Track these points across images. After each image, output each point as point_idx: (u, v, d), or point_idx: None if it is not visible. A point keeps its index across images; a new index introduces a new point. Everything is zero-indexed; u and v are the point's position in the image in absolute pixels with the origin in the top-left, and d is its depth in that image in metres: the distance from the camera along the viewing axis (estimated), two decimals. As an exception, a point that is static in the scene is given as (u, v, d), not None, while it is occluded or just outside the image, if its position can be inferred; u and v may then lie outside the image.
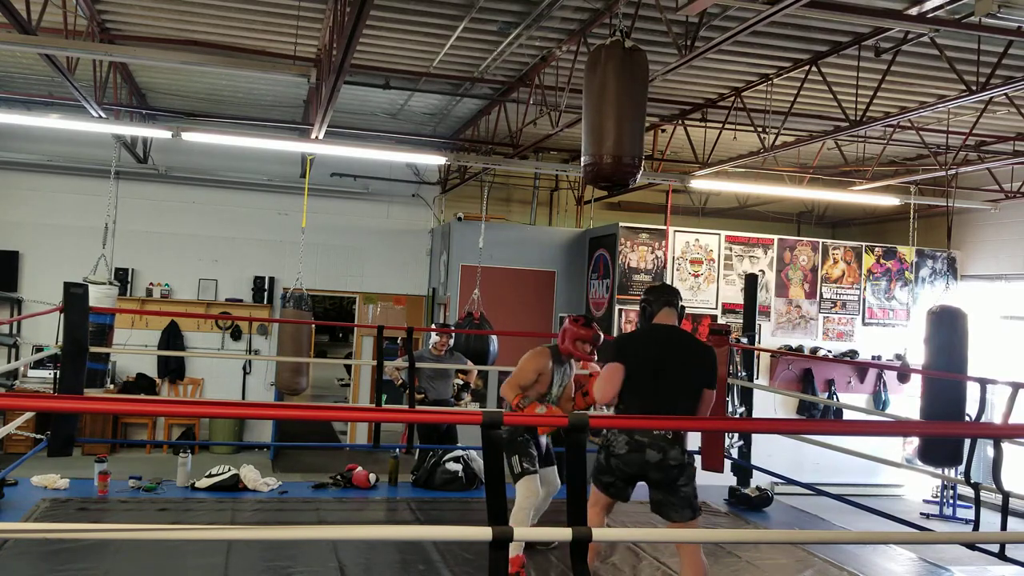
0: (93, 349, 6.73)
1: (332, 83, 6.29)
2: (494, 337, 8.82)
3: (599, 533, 3.07)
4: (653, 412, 4.34)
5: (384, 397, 8.89)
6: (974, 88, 6.69)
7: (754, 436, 7.81)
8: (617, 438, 4.38)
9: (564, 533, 2.94)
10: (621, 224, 10.66)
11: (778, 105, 8.39)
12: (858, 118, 7.59)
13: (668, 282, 10.45)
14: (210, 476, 6.83)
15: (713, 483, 7.58)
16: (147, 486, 6.66)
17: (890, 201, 10.59)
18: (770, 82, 7.89)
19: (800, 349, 10.82)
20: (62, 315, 6.37)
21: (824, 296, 11.07)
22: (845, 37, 6.83)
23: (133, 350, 11.02)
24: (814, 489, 7.07)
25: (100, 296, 7.16)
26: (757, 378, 9.19)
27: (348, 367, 15.27)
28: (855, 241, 11.65)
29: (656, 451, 4.33)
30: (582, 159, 4.94)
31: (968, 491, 6.39)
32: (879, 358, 11.02)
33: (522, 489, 5.16)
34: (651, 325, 4.61)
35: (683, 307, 4.66)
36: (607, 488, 4.49)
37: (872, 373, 11.03)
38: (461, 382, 8.74)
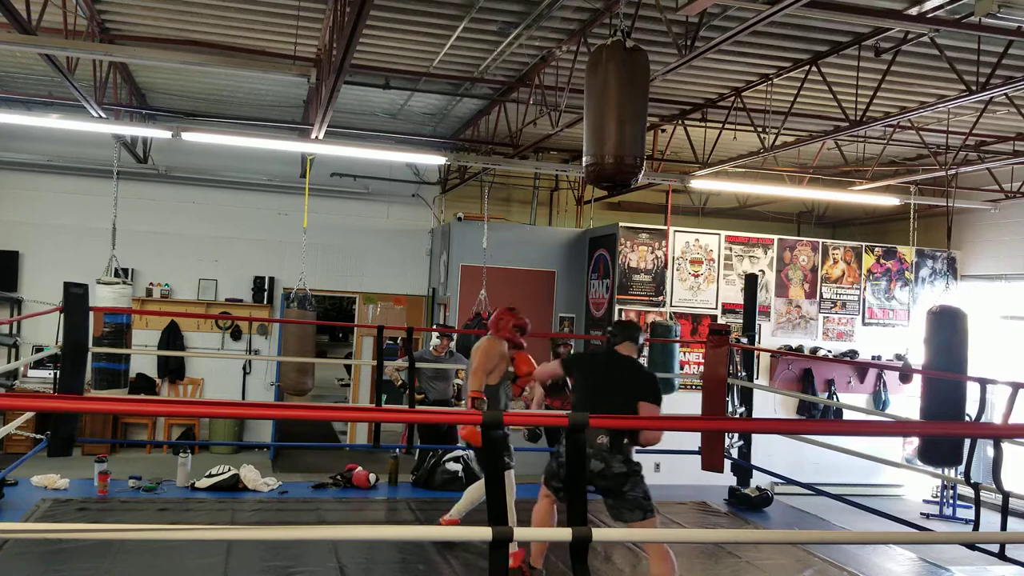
0: (113, 350, 6.75)
1: (332, 83, 6.28)
2: None
3: (599, 533, 3.07)
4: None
5: (384, 397, 8.88)
6: (974, 88, 6.69)
7: (754, 436, 7.81)
8: (560, 446, 4.66)
9: (564, 533, 2.94)
10: (621, 224, 10.66)
11: (778, 105, 8.39)
12: (858, 118, 7.59)
13: (668, 282, 10.46)
14: (210, 476, 6.83)
15: (713, 483, 7.59)
16: (147, 486, 6.66)
17: (890, 201, 10.60)
18: (770, 82, 7.89)
19: (800, 349, 10.82)
20: (62, 315, 6.37)
21: (824, 296, 11.07)
22: (845, 37, 6.83)
23: (133, 350, 10.98)
24: (814, 489, 7.07)
25: (116, 296, 7.13)
26: (757, 378, 9.19)
27: (348, 367, 15.27)
28: (855, 241, 11.65)
29: (599, 461, 4.61)
30: (584, 159, 4.95)
31: (968, 491, 6.39)
32: (879, 358, 11.03)
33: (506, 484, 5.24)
34: (609, 349, 5.02)
35: (643, 344, 5.12)
36: (557, 492, 4.82)
37: (872, 373, 11.03)
38: (461, 382, 8.74)
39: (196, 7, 6.88)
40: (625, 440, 4.67)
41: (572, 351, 8.69)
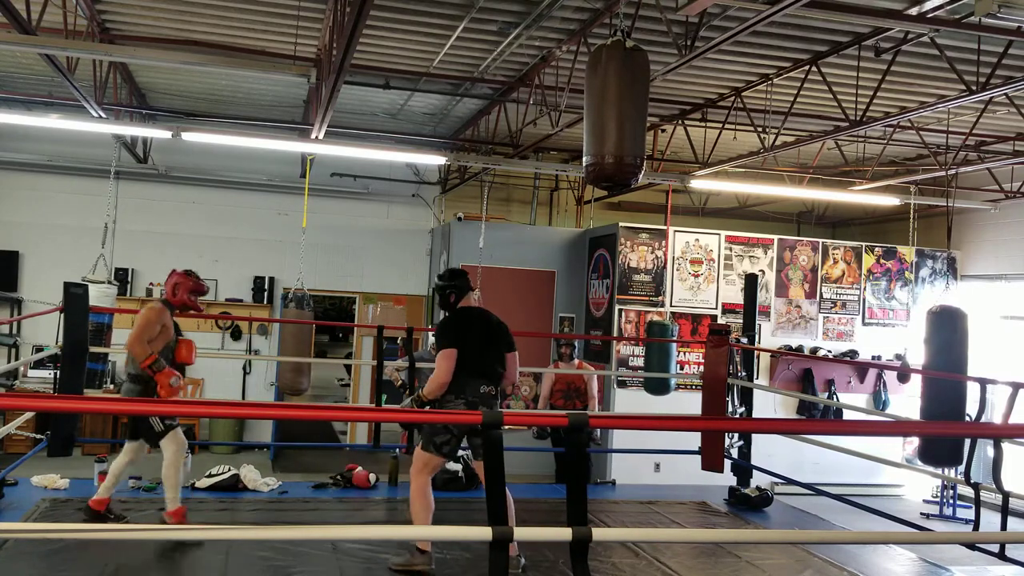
0: (91, 349, 6.73)
1: (332, 83, 6.29)
2: None
3: (599, 533, 3.06)
4: (479, 374, 5.12)
5: (384, 397, 8.88)
6: (974, 88, 6.69)
7: (754, 436, 7.81)
8: (454, 402, 5.08)
9: (564, 533, 2.94)
10: (621, 224, 10.67)
11: (778, 105, 8.39)
12: (858, 118, 7.60)
13: (668, 282, 10.46)
14: (210, 476, 6.82)
15: (713, 483, 7.59)
16: (147, 486, 6.65)
17: (890, 201, 10.60)
18: (770, 82, 7.89)
19: (800, 349, 10.82)
20: (62, 315, 6.37)
21: (824, 296, 11.07)
22: (845, 37, 6.84)
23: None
24: (814, 489, 7.06)
25: (99, 295, 7.16)
26: (757, 378, 9.19)
27: (348, 367, 15.27)
28: (855, 241, 11.65)
29: (487, 408, 5.00)
30: (584, 159, 4.94)
31: (968, 491, 6.39)
32: (879, 358, 11.02)
33: (171, 444, 5.42)
34: (463, 308, 5.33)
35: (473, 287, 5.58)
36: (440, 448, 5.11)
37: (872, 373, 11.03)
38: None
39: (196, 7, 6.88)
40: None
41: (573, 351, 8.67)
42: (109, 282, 7.50)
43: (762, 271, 10.76)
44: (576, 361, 8.63)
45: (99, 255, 7.85)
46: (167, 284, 5.78)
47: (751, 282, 8.23)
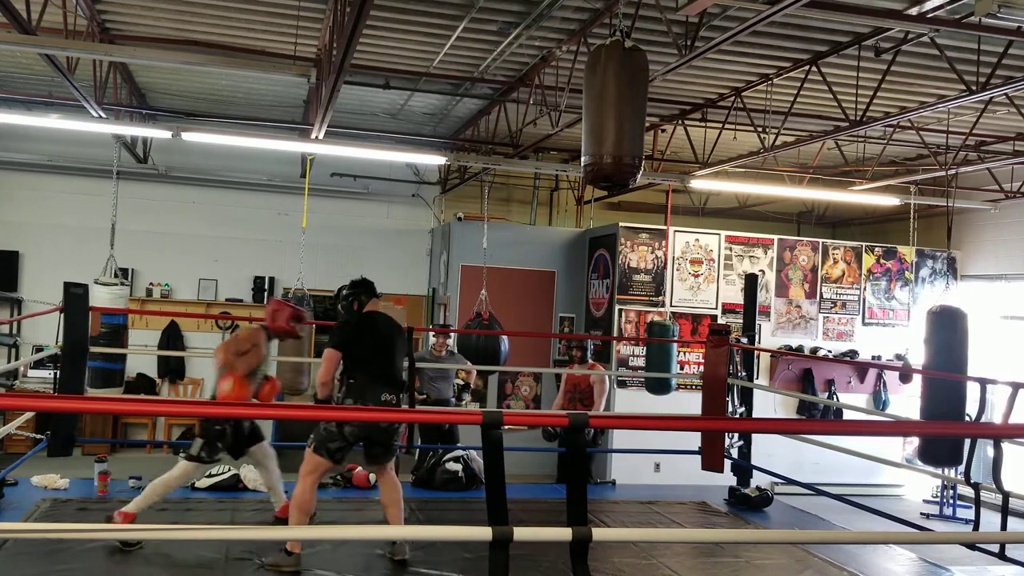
0: (109, 350, 6.75)
1: (332, 83, 6.29)
2: (504, 337, 8.81)
3: (599, 533, 3.07)
4: (381, 380, 5.12)
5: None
6: (974, 88, 6.70)
7: (754, 436, 7.81)
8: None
9: (564, 533, 2.95)
10: (621, 224, 10.67)
11: (778, 105, 8.39)
12: (858, 118, 7.60)
13: (668, 282, 10.46)
14: (210, 476, 6.82)
15: (713, 483, 7.59)
16: (148, 486, 6.65)
17: (890, 201, 10.60)
18: (770, 82, 7.89)
19: (800, 349, 10.82)
20: (62, 315, 6.37)
21: (824, 296, 11.07)
22: (845, 37, 6.84)
23: (133, 350, 10.97)
24: (814, 489, 7.06)
25: (112, 297, 7.16)
26: (757, 378, 9.19)
27: (348, 367, 15.26)
28: (855, 241, 11.65)
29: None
30: (582, 159, 4.95)
31: (968, 491, 6.39)
32: (879, 358, 11.03)
33: (182, 471, 5.43)
34: (367, 313, 5.38)
35: (379, 294, 5.58)
36: (333, 454, 5.01)
37: (872, 373, 11.04)
38: (462, 382, 8.74)
39: (196, 7, 6.88)
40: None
41: (586, 353, 8.46)
42: (121, 283, 7.50)
43: (762, 271, 10.76)
44: (589, 363, 8.49)
45: (109, 256, 7.86)
46: (266, 312, 5.82)
47: (751, 282, 8.23)
